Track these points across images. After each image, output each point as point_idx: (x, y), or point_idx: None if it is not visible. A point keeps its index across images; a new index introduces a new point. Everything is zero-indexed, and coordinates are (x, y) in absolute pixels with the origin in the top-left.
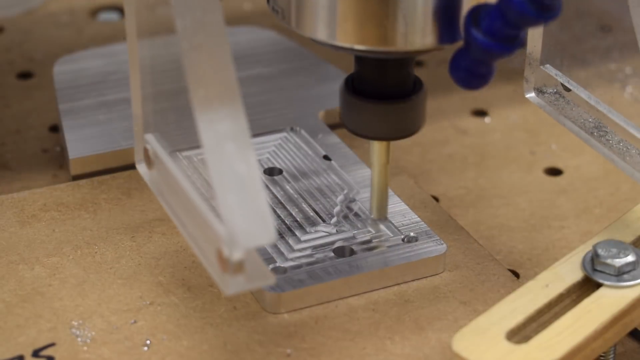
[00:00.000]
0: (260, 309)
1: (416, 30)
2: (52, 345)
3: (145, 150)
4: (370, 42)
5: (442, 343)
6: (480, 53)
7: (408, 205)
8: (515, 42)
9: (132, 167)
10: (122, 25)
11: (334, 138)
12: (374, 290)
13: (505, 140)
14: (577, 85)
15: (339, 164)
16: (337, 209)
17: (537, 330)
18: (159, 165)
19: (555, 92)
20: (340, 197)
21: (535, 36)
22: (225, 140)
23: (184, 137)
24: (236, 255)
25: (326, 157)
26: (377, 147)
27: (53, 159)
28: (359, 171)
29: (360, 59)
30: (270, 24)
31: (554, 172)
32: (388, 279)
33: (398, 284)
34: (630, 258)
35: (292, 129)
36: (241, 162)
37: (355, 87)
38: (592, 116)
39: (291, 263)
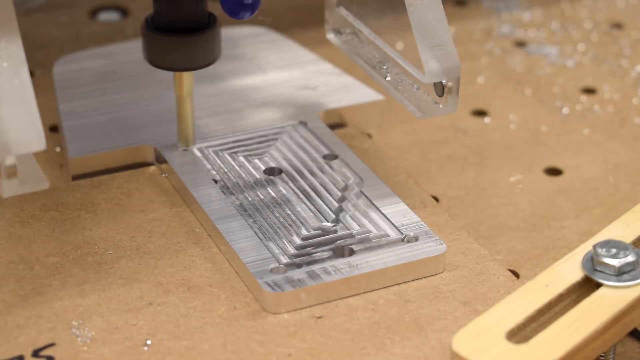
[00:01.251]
0: (260, 309)
1: None
2: (52, 345)
3: None
4: None
5: (442, 343)
6: None
7: (408, 205)
8: None
9: (132, 167)
10: (122, 25)
11: (334, 138)
12: (374, 290)
13: (505, 140)
14: (361, 24)
15: (339, 163)
16: (337, 208)
17: (537, 330)
18: None
19: (352, 33)
20: (343, 187)
21: None
22: (1, 59)
23: None
24: (8, 160)
25: (328, 157)
26: (178, 78)
27: (53, 159)
28: (359, 170)
29: None
30: (270, 24)
31: (554, 172)
32: (388, 279)
33: (398, 284)
34: (630, 258)
35: (301, 122)
36: (14, 77)
37: (155, 25)
38: (378, 53)
39: (291, 263)
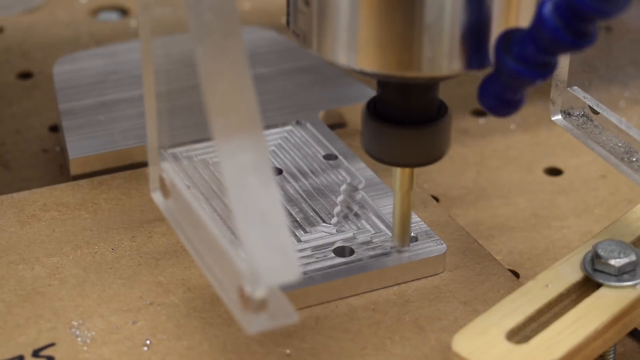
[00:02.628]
0: None
1: (443, 55)
2: (52, 345)
3: (162, 179)
4: (394, 67)
5: (442, 343)
6: (511, 79)
7: None
8: (548, 68)
9: (132, 167)
10: (122, 25)
11: (334, 138)
12: (374, 290)
13: (505, 140)
14: (606, 108)
15: (339, 163)
16: (337, 209)
17: (537, 330)
18: (175, 195)
19: (583, 115)
20: (343, 187)
21: (561, 56)
22: (246, 173)
23: (187, 133)
24: (259, 293)
25: (328, 157)
26: (399, 174)
27: (53, 159)
28: (359, 170)
29: (383, 83)
30: (270, 24)
31: (554, 172)
32: (388, 279)
33: (398, 284)
34: (630, 258)
35: (297, 122)
36: (263, 196)
37: (377, 112)
38: (622, 140)
39: None
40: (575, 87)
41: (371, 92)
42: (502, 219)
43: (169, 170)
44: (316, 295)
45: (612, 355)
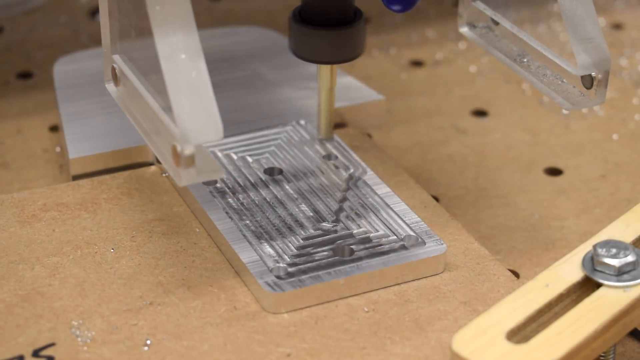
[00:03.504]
0: (260, 309)
1: None
2: (52, 345)
3: (113, 69)
4: None
5: (442, 343)
6: None
7: (408, 205)
8: None
9: (132, 167)
10: None
11: (334, 138)
12: (374, 290)
13: (505, 140)
14: (502, 17)
15: (339, 163)
16: (337, 208)
17: (537, 330)
18: (124, 81)
19: (486, 27)
20: (343, 187)
21: None
22: (178, 51)
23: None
24: (187, 150)
25: (328, 157)
26: (323, 72)
27: (53, 159)
28: (359, 170)
29: None
30: (270, 24)
31: (554, 172)
32: (388, 279)
33: (398, 284)
34: (630, 258)
35: (297, 123)
36: (192, 69)
37: (302, 17)
38: (517, 46)
39: (291, 263)
40: (478, 1)
41: (370, 92)
42: (502, 219)
43: (119, 61)
44: (316, 295)
45: (612, 355)
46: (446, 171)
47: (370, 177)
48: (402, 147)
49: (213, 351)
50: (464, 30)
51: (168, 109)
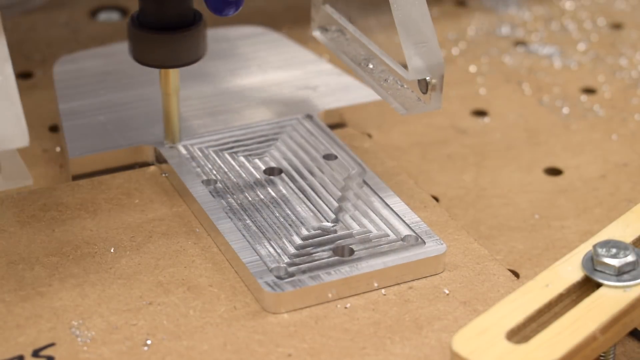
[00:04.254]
0: (260, 309)
1: None
2: (52, 345)
3: None
4: None
5: (442, 343)
6: None
7: (408, 205)
8: None
9: (132, 167)
10: (122, 25)
11: (334, 138)
12: (374, 290)
13: (505, 140)
14: (346, 21)
15: (339, 163)
16: (337, 208)
17: (537, 330)
18: None
19: (338, 30)
20: (343, 187)
21: None
22: None
23: None
24: None
25: (328, 157)
26: (164, 76)
27: (53, 159)
28: (359, 170)
29: None
30: (270, 24)
31: (554, 172)
32: (388, 279)
33: (398, 284)
34: (630, 258)
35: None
36: None
37: (140, 22)
38: (364, 50)
39: (291, 263)
40: (327, 5)
41: (370, 92)
42: (502, 219)
43: None
44: (316, 295)
45: (612, 355)
46: (446, 171)
47: (370, 177)
48: (402, 147)
49: (213, 351)
50: (316, 34)
51: None
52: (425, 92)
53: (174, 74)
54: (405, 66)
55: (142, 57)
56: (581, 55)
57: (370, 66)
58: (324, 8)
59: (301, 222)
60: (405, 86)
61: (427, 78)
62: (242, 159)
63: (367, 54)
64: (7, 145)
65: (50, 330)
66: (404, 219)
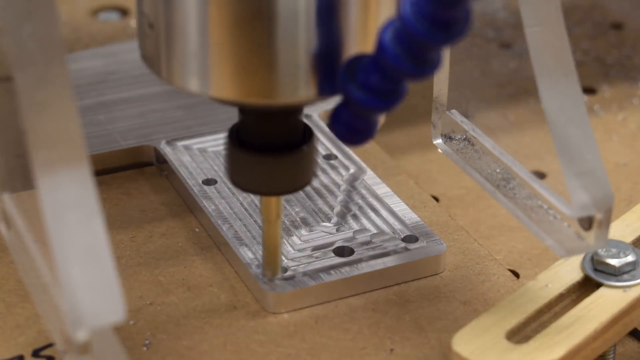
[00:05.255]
0: (260, 309)
1: (296, 82)
2: (52, 345)
3: (4, 211)
4: (247, 95)
5: (442, 343)
6: (357, 108)
7: (408, 205)
8: (394, 96)
9: (132, 167)
10: (122, 25)
11: (334, 138)
12: (374, 290)
13: (505, 140)
14: (482, 133)
15: (339, 163)
16: (337, 209)
17: (537, 330)
18: (15, 228)
19: (465, 139)
20: (343, 187)
21: (441, 80)
22: (68, 208)
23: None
24: (80, 335)
25: (328, 157)
26: (265, 202)
27: None
28: (359, 171)
29: (242, 109)
30: None
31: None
32: (388, 279)
33: (398, 284)
34: (630, 258)
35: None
36: (86, 232)
37: (240, 139)
38: (500, 166)
39: (291, 263)
40: (454, 111)
41: None
42: (502, 219)
43: (9, 201)
44: (316, 295)
45: (612, 355)
46: (446, 171)
47: (370, 177)
48: (402, 147)
49: (213, 351)
50: (438, 142)
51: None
52: (588, 229)
53: (277, 199)
54: (563, 196)
55: (238, 180)
56: (581, 55)
57: (510, 188)
58: (449, 114)
59: (301, 222)
60: (559, 217)
61: (592, 214)
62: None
63: (505, 173)
64: (99, 321)
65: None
66: (404, 219)
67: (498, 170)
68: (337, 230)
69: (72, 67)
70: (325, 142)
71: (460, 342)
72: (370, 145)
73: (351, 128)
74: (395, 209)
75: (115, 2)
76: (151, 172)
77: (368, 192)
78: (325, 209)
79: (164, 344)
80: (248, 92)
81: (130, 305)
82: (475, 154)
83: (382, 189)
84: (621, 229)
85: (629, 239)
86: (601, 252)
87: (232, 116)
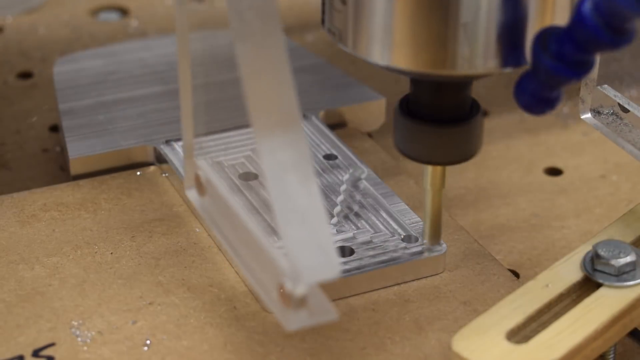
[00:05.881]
0: (260, 309)
1: (478, 53)
2: (52, 345)
3: (197, 177)
4: (429, 65)
5: (442, 343)
6: (548, 77)
7: (408, 205)
8: (586, 66)
9: (132, 167)
10: (122, 25)
11: (334, 138)
12: (374, 290)
13: (505, 140)
14: (636, 106)
15: (338, 163)
16: (337, 208)
17: (537, 330)
18: (211, 192)
19: (612, 113)
20: (343, 187)
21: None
22: (286, 171)
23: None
24: (299, 290)
25: (328, 157)
26: (431, 172)
27: (53, 159)
28: (359, 171)
29: (417, 80)
30: None
31: (554, 172)
32: (388, 279)
33: (398, 284)
34: (630, 258)
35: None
36: (303, 194)
37: (410, 109)
38: None
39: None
40: (606, 86)
41: (370, 92)
42: (502, 219)
43: (205, 166)
44: None
45: (612, 355)
46: (446, 171)
47: (370, 177)
48: None
49: (213, 351)
50: (587, 117)
51: (273, 236)
52: None
53: (443, 169)
54: None
55: (408, 149)
56: None
57: None
58: (600, 89)
59: None
60: None
61: None
62: (242, 158)
63: None
64: (315, 277)
65: (50, 330)
66: (404, 219)
67: None
68: (337, 230)
69: (72, 67)
70: (325, 142)
71: (460, 342)
72: (370, 145)
73: (538, 98)
74: (395, 209)
75: (115, 2)
76: (151, 172)
77: (368, 192)
78: (326, 209)
79: (164, 344)
80: (429, 63)
81: (130, 305)
82: (625, 127)
83: (382, 189)
84: (621, 229)
85: (629, 239)
86: (601, 252)
87: (232, 116)
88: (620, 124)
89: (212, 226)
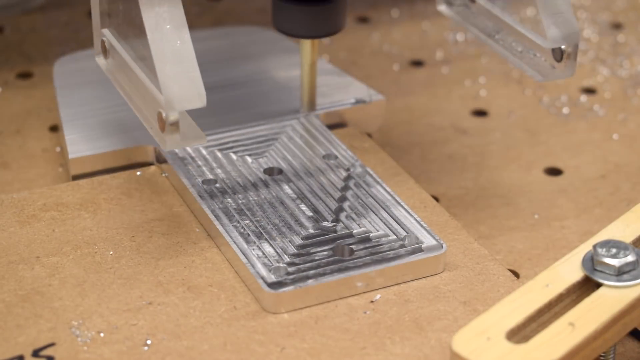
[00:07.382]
0: (260, 309)
1: None
2: (52, 345)
3: (102, 42)
4: None
5: (442, 343)
6: None
7: (408, 205)
8: None
9: (132, 167)
10: None
11: (334, 138)
12: (374, 290)
13: (505, 140)
14: None
15: (338, 163)
16: (337, 208)
17: (537, 330)
18: (113, 54)
19: (463, 4)
20: (343, 187)
21: None
22: (163, 22)
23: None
24: (172, 116)
25: (328, 157)
26: (304, 47)
27: (53, 159)
28: (359, 170)
29: None
30: (270, 24)
31: (554, 172)
32: (388, 279)
33: (398, 284)
34: (630, 258)
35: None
36: (177, 39)
37: None
38: (492, 22)
39: (291, 263)
40: None
41: (370, 92)
42: (502, 219)
43: (108, 34)
44: (316, 295)
45: (612, 355)
46: (446, 171)
47: (370, 177)
48: (402, 147)
49: (213, 351)
50: (442, 8)
51: (154, 77)
52: (559, 60)
53: (315, 44)
54: (537, 35)
55: (283, 27)
56: (581, 55)
57: (498, 37)
58: None
59: (301, 222)
60: (538, 55)
61: (563, 46)
62: (242, 158)
63: (495, 26)
64: (186, 106)
65: (50, 330)
66: (404, 218)
67: (490, 25)
68: (337, 230)
69: (72, 67)
70: (325, 142)
71: (460, 342)
72: (370, 145)
73: None
74: (395, 209)
75: None
76: (151, 172)
77: (368, 192)
78: (325, 208)
79: (164, 344)
80: None
81: (130, 305)
82: (471, 14)
83: (382, 189)
84: (621, 229)
85: (629, 239)
86: (601, 252)
87: (232, 116)
88: (468, 12)
89: (114, 82)
